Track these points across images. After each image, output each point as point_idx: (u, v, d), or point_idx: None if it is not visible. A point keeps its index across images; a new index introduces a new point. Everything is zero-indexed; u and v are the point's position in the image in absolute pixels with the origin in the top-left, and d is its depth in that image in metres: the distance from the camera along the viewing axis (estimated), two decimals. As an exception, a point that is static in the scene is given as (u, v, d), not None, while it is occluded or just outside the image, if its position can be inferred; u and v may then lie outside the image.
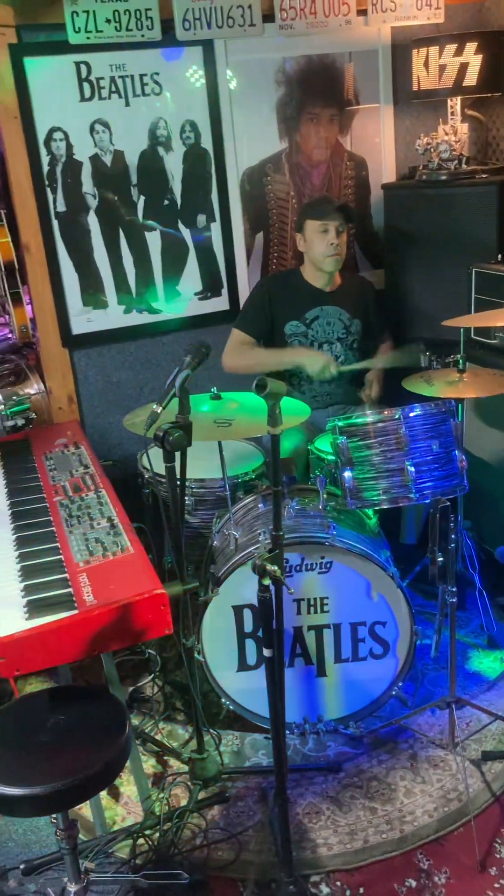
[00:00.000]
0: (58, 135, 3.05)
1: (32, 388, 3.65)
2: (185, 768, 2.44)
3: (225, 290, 3.50)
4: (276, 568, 1.74)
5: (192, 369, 2.01)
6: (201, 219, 3.38)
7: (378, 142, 3.58)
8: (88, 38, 2.94)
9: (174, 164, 3.27)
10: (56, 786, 1.61)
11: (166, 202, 3.29)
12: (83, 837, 2.18)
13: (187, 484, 2.47)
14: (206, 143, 3.29)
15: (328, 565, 2.40)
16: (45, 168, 3.06)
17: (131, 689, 2.78)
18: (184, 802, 2.31)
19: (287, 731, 2.47)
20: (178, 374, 2.00)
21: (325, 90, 3.43)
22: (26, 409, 3.58)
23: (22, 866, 2.12)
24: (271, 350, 3.15)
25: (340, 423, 2.43)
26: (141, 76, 3.09)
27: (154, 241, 3.32)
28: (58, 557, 2.06)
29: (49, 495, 2.45)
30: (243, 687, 2.52)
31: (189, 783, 2.37)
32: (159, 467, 2.11)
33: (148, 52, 3.07)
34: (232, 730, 2.59)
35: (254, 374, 2.02)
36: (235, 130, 3.32)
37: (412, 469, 2.36)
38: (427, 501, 2.39)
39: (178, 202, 3.31)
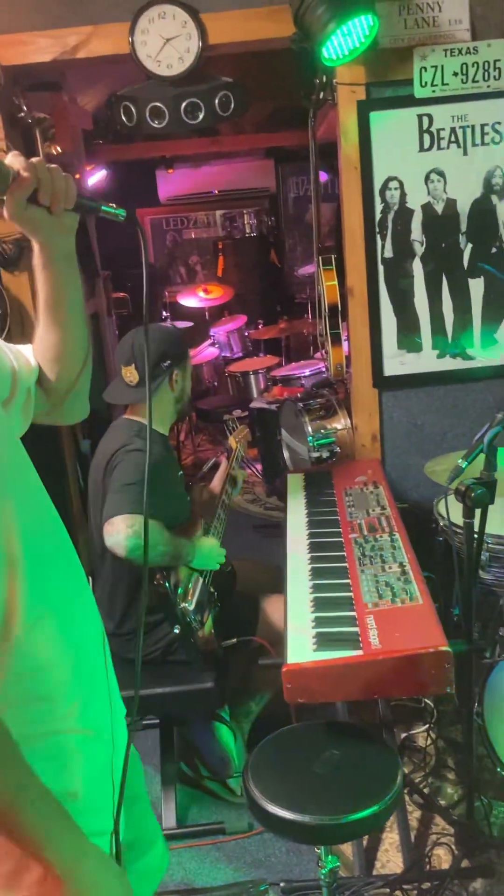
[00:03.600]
0: (393, 184, 3.16)
1: (340, 423, 3.80)
2: (451, 830, 2.36)
3: (547, 340, 3.36)
4: None
5: (504, 427, 1.97)
6: (529, 266, 3.28)
7: None
8: (434, 91, 3.01)
9: (507, 211, 3.21)
10: (324, 820, 1.67)
11: (494, 249, 3.25)
12: (342, 874, 2.22)
13: (484, 539, 2.41)
14: (544, 189, 3.19)
15: None
16: (378, 216, 3.18)
17: (403, 735, 2.76)
18: (445, 866, 2.24)
19: None
20: (488, 430, 1.97)
21: None
22: (332, 442, 3.74)
23: (282, 884, 2.21)
24: None
25: None
26: (482, 126, 3.09)
27: (477, 287, 3.29)
28: (348, 595, 2.13)
29: (345, 531, 2.53)
30: (522, 761, 2.38)
31: (453, 847, 2.29)
32: (456, 517, 2.09)
33: (492, 102, 3.06)
34: (504, 802, 2.47)
35: None
36: None
37: None
38: None
39: (507, 249, 3.25)
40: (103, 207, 1.21)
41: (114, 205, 1.23)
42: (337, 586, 2.18)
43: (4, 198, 1.13)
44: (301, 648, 1.91)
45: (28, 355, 1.33)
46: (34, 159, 1.12)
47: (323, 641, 1.91)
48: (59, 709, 1.13)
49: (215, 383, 6.28)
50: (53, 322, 1.30)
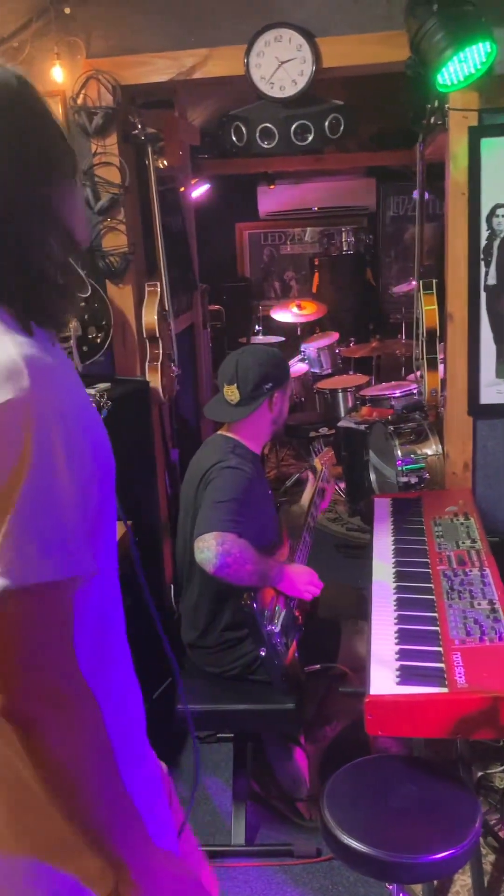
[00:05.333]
0: (501, 211, 3.11)
1: (430, 449, 3.75)
2: (525, 879, 2.29)
3: None
4: None
5: None
6: None
7: None
8: (548, 118, 2.95)
9: None
10: (398, 858, 1.64)
11: None
12: (410, 912, 2.18)
13: None
14: None
15: None
16: (483, 242, 3.13)
17: (479, 774, 2.70)
18: (518, 916, 2.18)
19: None
20: None
21: None
22: (421, 468, 3.70)
23: (348, 915, 2.19)
24: None
25: None
26: None
27: None
28: (434, 629, 2.10)
29: (433, 562, 2.49)
30: None
31: (527, 897, 2.23)
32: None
33: None
34: None
35: None
36: None
37: None
38: None
39: None
40: None
41: None
42: (423, 619, 2.15)
43: None
44: (384, 680, 1.89)
45: None
46: None
47: (407, 675, 1.89)
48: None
49: (302, 399, 6.28)
50: None
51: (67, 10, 3.00)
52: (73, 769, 0.96)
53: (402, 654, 1.98)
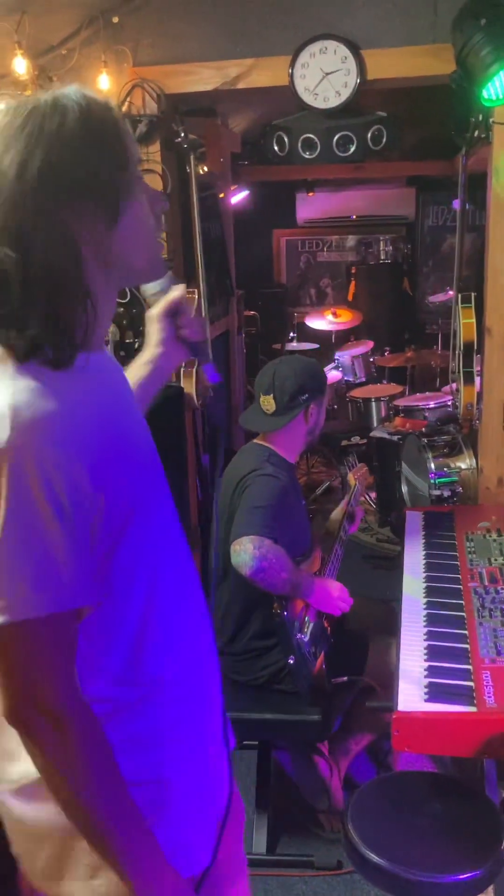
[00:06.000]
0: (542, 226, 3.09)
1: (464, 462, 3.73)
2: (548, 903, 2.27)
3: None
4: None
5: None
6: None
7: None
8: None
9: None
10: (422, 876, 1.64)
11: None
12: (431, 930, 2.16)
13: None
14: None
15: None
16: (524, 257, 3.12)
17: (504, 793, 2.68)
18: (540, 940, 2.15)
19: None
20: None
21: None
22: (454, 482, 3.68)
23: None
24: None
25: None
26: None
27: None
28: (464, 646, 2.08)
29: (465, 578, 2.47)
30: None
31: (550, 921, 2.20)
32: None
33: None
34: None
35: None
36: None
37: None
38: None
39: None
40: (208, 364, 1.39)
41: (215, 370, 1.38)
42: (453, 636, 2.13)
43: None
44: (412, 696, 1.88)
45: None
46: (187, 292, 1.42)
47: (435, 692, 1.88)
48: (166, 751, 1.16)
49: (335, 406, 6.27)
50: None
51: (116, 20, 3.05)
52: (73, 784, 1.02)
53: (431, 671, 1.97)
